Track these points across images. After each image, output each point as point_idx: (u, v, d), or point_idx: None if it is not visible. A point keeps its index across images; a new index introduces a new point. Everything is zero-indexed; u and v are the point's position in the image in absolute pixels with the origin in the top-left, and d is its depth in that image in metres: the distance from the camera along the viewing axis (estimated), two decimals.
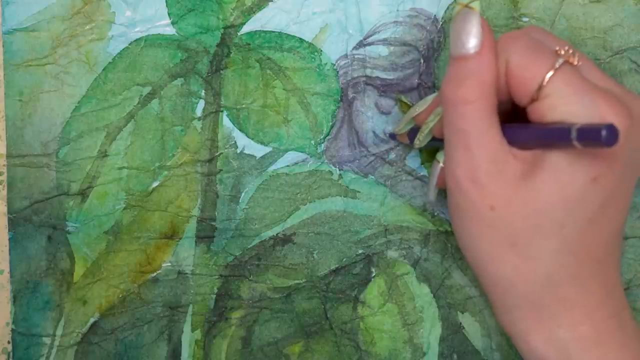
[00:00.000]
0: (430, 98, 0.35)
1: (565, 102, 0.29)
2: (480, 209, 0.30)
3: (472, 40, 0.30)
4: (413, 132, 0.36)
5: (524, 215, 0.29)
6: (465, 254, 0.32)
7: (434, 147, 0.39)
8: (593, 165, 0.29)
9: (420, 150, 0.39)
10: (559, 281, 0.30)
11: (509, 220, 0.30)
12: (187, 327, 0.39)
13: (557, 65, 0.29)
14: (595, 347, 0.30)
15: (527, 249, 0.30)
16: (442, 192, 0.39)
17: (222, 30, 0.38)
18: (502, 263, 0.30)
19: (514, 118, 0.32)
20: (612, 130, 0.26)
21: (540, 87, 0.29)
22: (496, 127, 0.30)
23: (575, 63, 0.30)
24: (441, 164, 0.35)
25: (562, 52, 0.30)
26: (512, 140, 0.30)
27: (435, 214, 0.39)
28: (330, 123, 0.39)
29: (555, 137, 0.28)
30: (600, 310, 0.31)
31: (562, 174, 0.29)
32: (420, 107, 0.35)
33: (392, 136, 0.38)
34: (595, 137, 0.26)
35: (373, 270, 0.39)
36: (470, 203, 0.30)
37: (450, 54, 0.31)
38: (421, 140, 0.35)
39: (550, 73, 0.29)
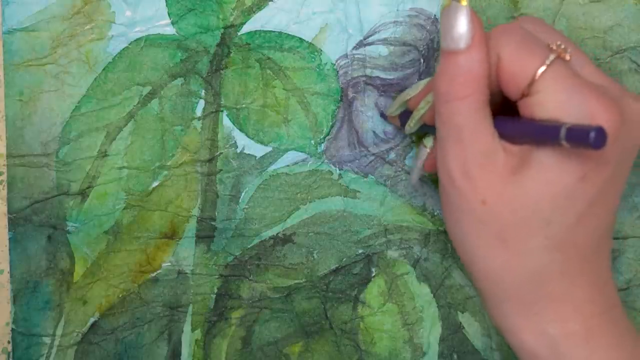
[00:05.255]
0: (423, 83, 0.35)
1: (555, 99, 0.28)
2: (471, 203, 0.30)
3: (462, 35, 0.29)
4: (404, 116, 0.36)
5: (513, 210, 0.29)
6: (457, 248, 0.32)
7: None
8: (581, 164, 0.29)
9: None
10: (547, 277, 0.30)
11: (499, 215, 0.30)
12: (187, 327, 0.39)
13: (548, 62, 0.29)
14: (585, 343, 0.30)
15: (516, 244, 0.30)
16: (439, 194, 0.39)
17: (222, 30, 0.38)
18: (491, 257, 0.30)
19: (506, 108, 0.32)
20: (600, 133, 0.26)
21: (531, 83, 0.29)
22: (488, 120, 0.30)
23: (568, 58, 0.29)
24: (427, 149, 0.35)
25: (554, 47, 0.29)
26: (503, 133, 0.30)
27: (435, 213, 0.39)
28: (330, 123, 0.39)
29: (544, 134, 0.28)
30: (590, 307, 0.31)
31: (550, 172, 0.29)
32: (412, 92, 0.35)
33: (383, 116, 0.38)
34: (583, 139, 0.26)
35: (373, 270, 0.39)
36: (462, 197, 0.30)
37: (440, 48, 0.30)
38: (412, 126, 0.35)
39: (542, 69, 0.29)
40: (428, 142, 0.35)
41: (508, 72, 0.30)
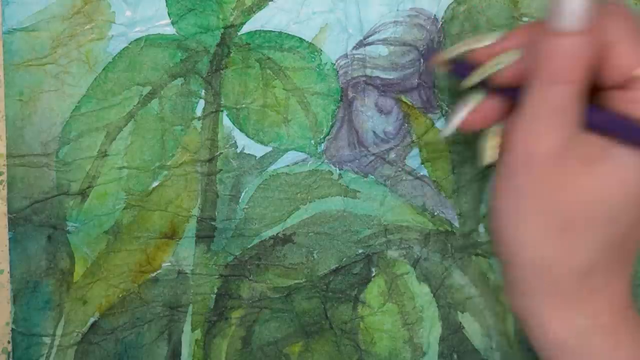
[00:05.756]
0: (494, 35, 0.33)
1: None
2: (541, 189, 0.29)
3: (578, 17, 0.27)
4: (459, 67, 0.34)
5: (581, 202, 0.29)
6: (502, 233, 0.31)
7: (435, 145, 0.39)
8: None
9: (421, 149, 0.39)
10: (595, 271, 0.30)
11: (566, 206, 0.29)
12: (187, 327, 0.39)
13: None
14: (611, 335, 0.30)
15: (576, 237, 0.29)
16: (439, 194, 0.39)
17: (222, 30, 0.38)
18: (545, 247, 0.30)
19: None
20: None
21: (633, 78, 0.28)
22: (580, 108, 0.29)
23: None
24: (474, 104, 0.33)
25: None
26: (588, 122, 0.29)
27: (435, 213, 0.39)
28: (330, 123, 0.39)
29: (633, 135, 0.28)
30: (620, 301, 0.31)
31: (627, 171, 0.28)
32: (483, 42, 0.33)
33: (427, 57, 0.37)
34: None
35: (373, 270, 0.39)
36: (531, 181, 0.29)
37: (547, 25, 0.28)
38: (472, 81, 0.33)
39: None
40: (477, 97, 0.33)
41: (616, 61, 0.29)
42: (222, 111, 0.38)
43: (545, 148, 0.29)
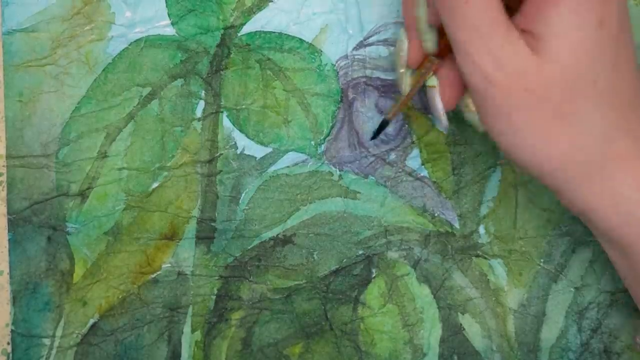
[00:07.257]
0: (403, 43, 0.34)
1: None
2: (515, 93, 0.29)
3: None
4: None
5: (558, 84, 0.29)
6: (511, 150, 0.31)
7: (435, 146, 0.39)
8: (597, 9, 0.29)
9: (421, 150, 0.39)
10: (613, 137, 0.30)
11: (547, 95, 0.29)
12: (187, 328, 0.39)
13: None
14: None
15: (575, 116, 0.30)
16: (439, 195, 0.39)
17: (222, 31, 0.38)
18: (556, 140, 0.30)
19: None
20: None
21: None
22: (499, 7, 0.29)
23: None
24: (437, 87, 0.34)
25: None
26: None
27: (436, 214, 0.39)
28: (331, 124, 0.39)
29: None
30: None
31: (571, 29, 0.29)
32: (400, 47, 0.35)
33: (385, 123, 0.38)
34: None
35: (373, 271, 0.39)
36: (504, 90, 0.30)
37: None
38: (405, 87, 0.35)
39: None
40: (432, 81, 0.34)
41: None
42: (222, 112, 0.38)
43: (487, 60, 0.29)
